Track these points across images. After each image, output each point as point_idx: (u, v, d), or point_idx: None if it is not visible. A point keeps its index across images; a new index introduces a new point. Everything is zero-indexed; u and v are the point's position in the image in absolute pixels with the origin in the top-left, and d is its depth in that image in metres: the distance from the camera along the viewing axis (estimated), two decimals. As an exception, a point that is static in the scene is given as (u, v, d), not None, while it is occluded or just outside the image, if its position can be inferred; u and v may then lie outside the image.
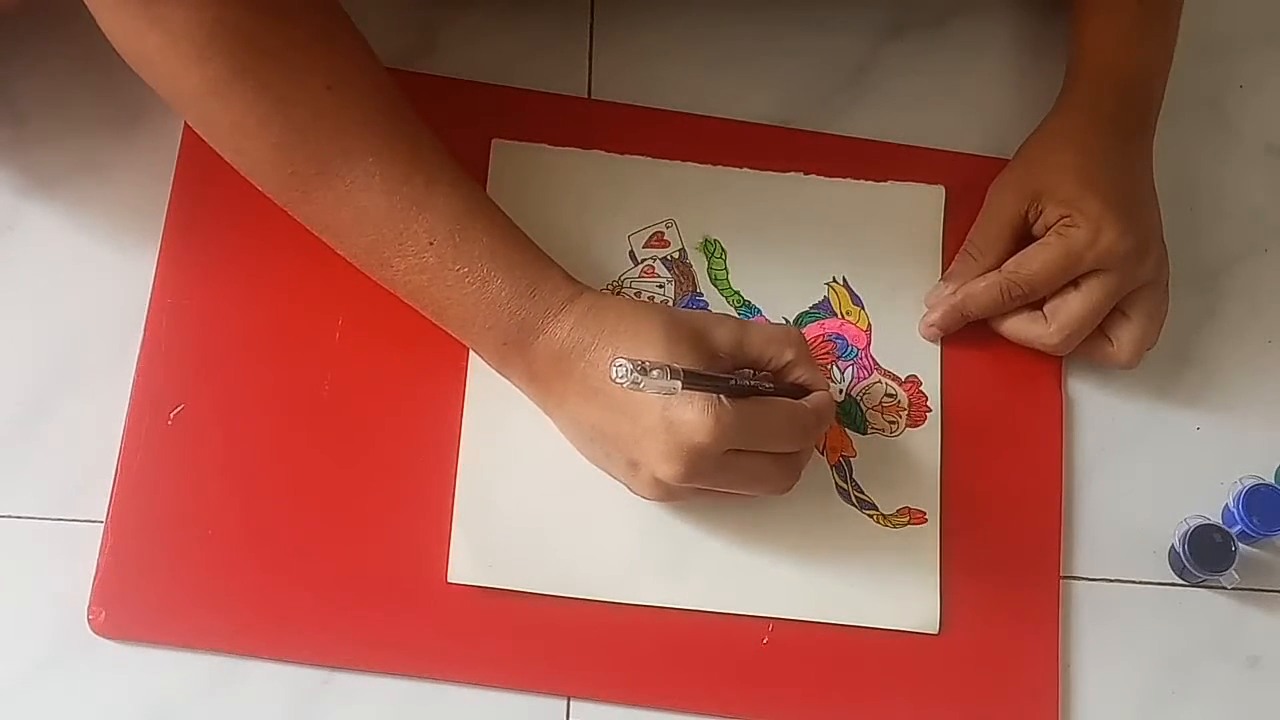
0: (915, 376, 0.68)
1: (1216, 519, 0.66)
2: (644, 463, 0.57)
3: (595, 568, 0.63)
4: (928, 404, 0.67)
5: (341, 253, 0.61)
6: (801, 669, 0.63)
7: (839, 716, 0.63)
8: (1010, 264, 0.66)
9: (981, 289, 0.66)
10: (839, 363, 0.68)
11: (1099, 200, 0.64)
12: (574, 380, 0.58)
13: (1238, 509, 0.66)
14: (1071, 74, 0.70)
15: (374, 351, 0.64)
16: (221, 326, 0.64)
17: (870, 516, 0.65)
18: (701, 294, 0.68)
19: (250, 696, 0.60)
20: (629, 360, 0.51)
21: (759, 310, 0.68)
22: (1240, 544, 0.65)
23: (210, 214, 0.66)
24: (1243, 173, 0.75)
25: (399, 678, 0.61)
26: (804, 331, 0.66)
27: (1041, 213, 0.66)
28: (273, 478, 0.62)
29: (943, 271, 0.69)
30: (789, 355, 0.60)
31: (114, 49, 0.57)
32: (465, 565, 0.62)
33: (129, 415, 0.63)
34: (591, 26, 0.72)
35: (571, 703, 0.62)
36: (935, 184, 0.71)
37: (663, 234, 0.68)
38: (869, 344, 0.68)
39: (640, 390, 0.52)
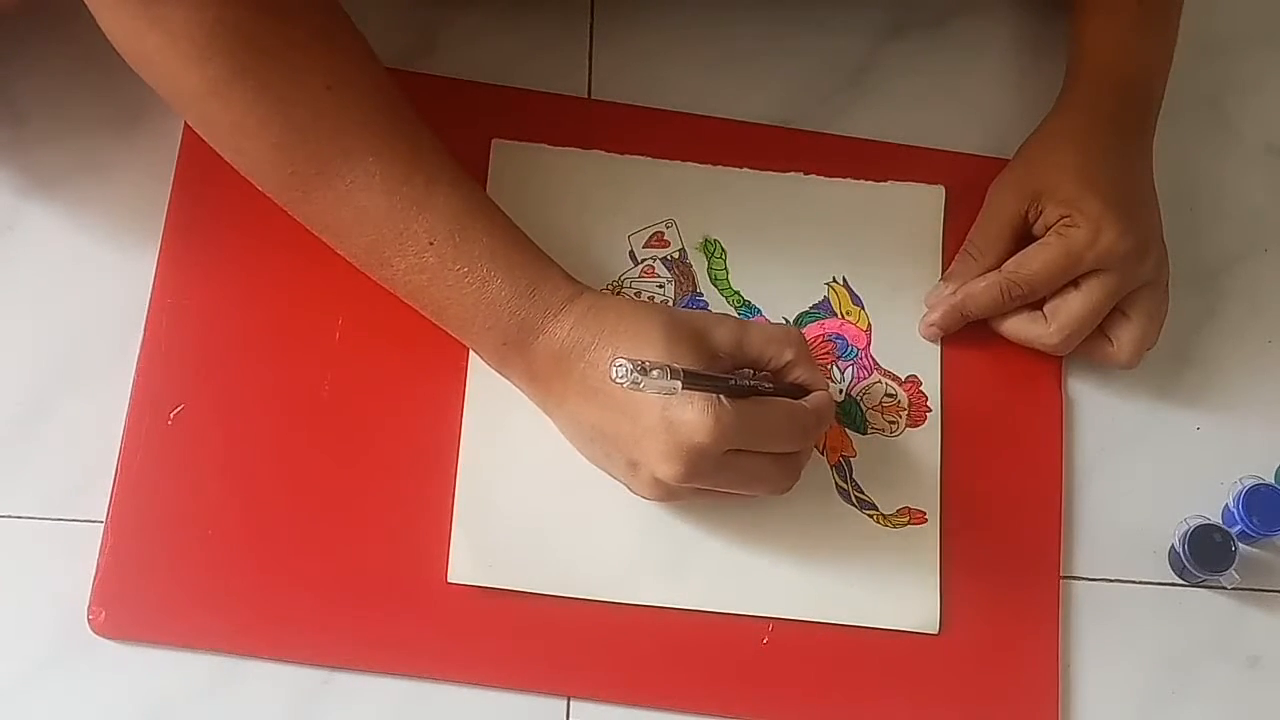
0: (915, 376, 0.68)
1: (1216, 519, 0.66)
2: (644, 463, 0.57)
3: (595, 568, 0.63)
4: (928, 404, 0.67)
5: (341, 253, 0.61)
6: (801, 669, 0.63)
7: (839, 716, 0.63)
8: (1010, 264, 0.66)
9: (981, 289, 0.66)
10: (839, 363, 0.68)
11: (1099, 200, 0.64)
12: (574, 380, 0.58)
13: (1238, 509, 0.66)
14: (1071, 74, 0.70)
15: (374, 351, 0.64)
16: (221, 326, 0.64)
17: (870, 516, 0.65)
18: (701, 294, 0.68)
19: (250, 696, 0.60)
20: (629, 360, 0.51)
21: (759, 310, 0.68)
22: (1240, 544, 0.65)
23: (210, 214, 0.66)
24: (1243, 173, 0.75)
25: (399, 678, 0.61)
26: (804, 331, 0.66)
27: (1041, 213, 0.66)
28: (273, 478, 0.62)
29: (943, 271, 0.69)
30: (789, 355, 0.60)
31: (114, 49, 0.57)
32: (465, 565, 0.62)
33: (129, 415, 0.63)
34: (591, 26, 0.72)
35: (571, 703, 0.62)
36: (935, 184, 0.71)
37: (663, 234, 0.68)
38: (869, 344, 0.68)
39: (640, 390, 0.52)
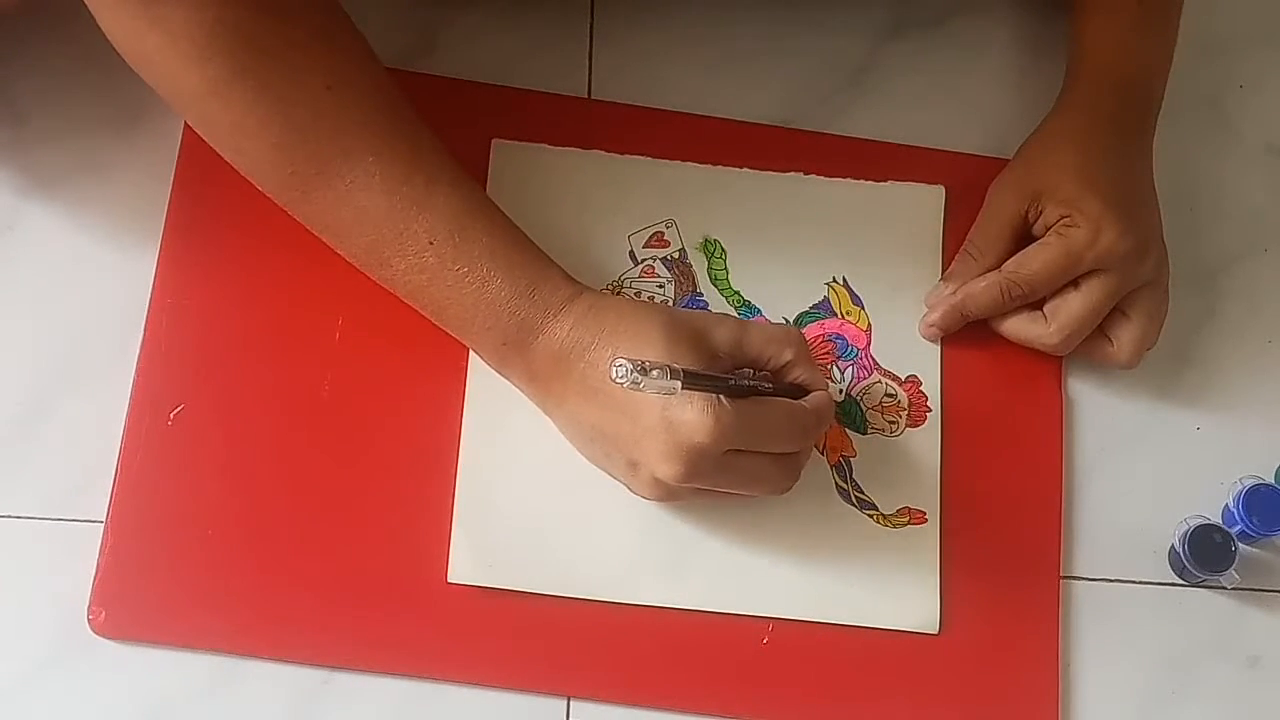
0: (915, 376, 0.68)
1: (1216, 519, 0.66)
2: (644, 463, 0.57)
3: (595, 568, 0.63)
4: (928, 404, 0.67)
5: (341, 253, 0.61)
6: (801, 669, 0.63)
7: (839, 716, 0.63)
8: (1010, 264, 0.66)
9: (981, 289, 0.66)
10: (839, 363, 0.68)
11: (1099, 200, 0.64)
12: (574, 380, 0.58)
13: (1238, 509, 0.66)
14: (1071, 74, 0.70)
15: (374, 351, 0.64)
16: (221, 326, 0.64)
17: (870, 516, 0.65)
18: (701, 294, 0.68)
19: (250, 696, 0.60)
20: (629, 360, 0.51)
21: (759, 310, 0.68)
22: (1240, 544, 0.65)
23: (210, 214, 0.66)
24: (1243, 173, 0.75)
25: (399, 678, 0.61)
26: (804, 331, 0.66)
27: (1041, 213, 0.66)
28: (273, 478, 0.62)
29: (943, 271, 0.69)
30: (788, 355, 0.60)
31: (114, 49, 0.57)
32: (465, 565, 0.62)
33: (129, 415, 0.63)
34: (591, 26, 0.72)
35: (571, 703, 0.62)
36: (935, 184, 0.71)
37: (663, 234, 0.68)
38: (869, 344, 0.68)
39: (640, 390, 0.52)
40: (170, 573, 0.61)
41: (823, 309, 0.68)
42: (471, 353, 0.63)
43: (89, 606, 0.60)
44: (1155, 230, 0.67)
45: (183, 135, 0.66)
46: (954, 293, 0.67)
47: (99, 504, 0.61)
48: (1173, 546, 0.67)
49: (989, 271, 0.67)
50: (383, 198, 0.58)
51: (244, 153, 0.59)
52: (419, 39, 0.71)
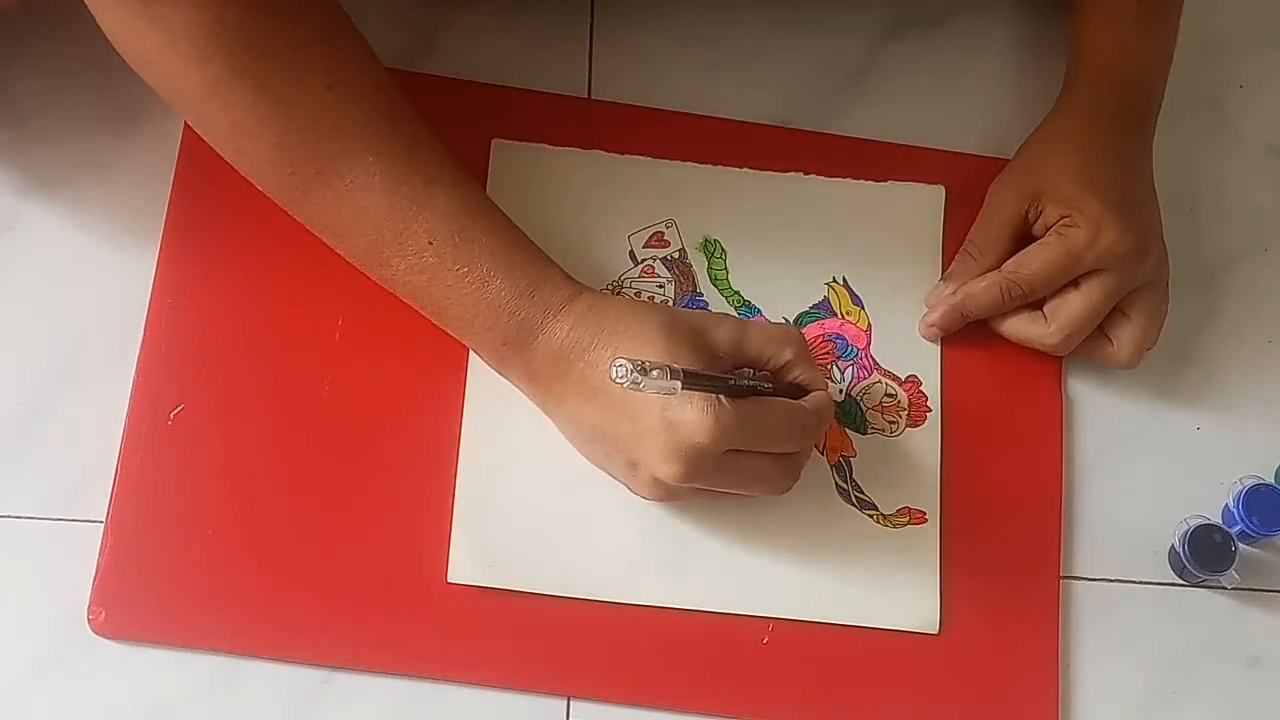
0: (915, 376, 0.68)
1: (1216, 519, 0.66)
2: (644, 463, 0.57)
3: (595, 568, 0.63)
4: (928, 404, 0.67)
5: (341, 253, 0.61)
6: (801, 669, 0.63)
7: (839, 716, 0.63)
8: (1010, 264, 0.66)
9: (981, 289, 0.66)
10: (839, 363, 0.68)
11: (1099, 200, 0.64)
12: (573, 380, 0.58)
13: (1238, 509, 0.66)
14: (1071, 74, 0.70)
15: (374, 351, 0.64)
16: (221, 326, 0.64)
17: (870, 516, 0.65)
18: (701, 294, 0.68)
19: (250, 696, 0.60)
20: (629, 360, 0.51)
21: (759, 310, 0.68)
22: (1240, 544, 0.65)
23: (210, 214, 0.66)
24: (1243, 173, 0.75)
25: (399, 678, 0.61)
26: (804, 331, 0.67)
27: (1041, 213, 0.66)
28: (273, 478, 0.62)
29: (943, 271, 0.69)
30: (788, 355, 0.60)
31: (114, 49, 0.57)
32: (465, 565, 0.62)
33: (129, 415, 0.63)
34: (591, 26, 0.72)
35: (571, 703, 0.62)
36: (935, 184, 0.71)
37: (663, 234, 0.68)
38: (869, 344, 0.68)
39: (640, 390, 0.52)
40: (170, 573, 0.61)
41: (823, 309, 0.68)
42: (471, 353, 0.63)
43: (89, 606, 0.60)
44: (1155, 230, 0.67)
45: (183, 135, 0.66)
46: (954, 293, 0.67)
47: (99, 504, 0.61)
48: (1173, 546, 0.67)
49: (989, 271, 0.67)
50: (382, 198, 0.58)
51: (244, 153, 0.59)
52: (419, 39, 0.71)
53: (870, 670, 0.63)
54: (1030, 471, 0.67)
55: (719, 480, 0.58)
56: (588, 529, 0.63)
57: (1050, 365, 0.69)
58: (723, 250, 0.68)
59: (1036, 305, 0.67)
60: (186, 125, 0.66)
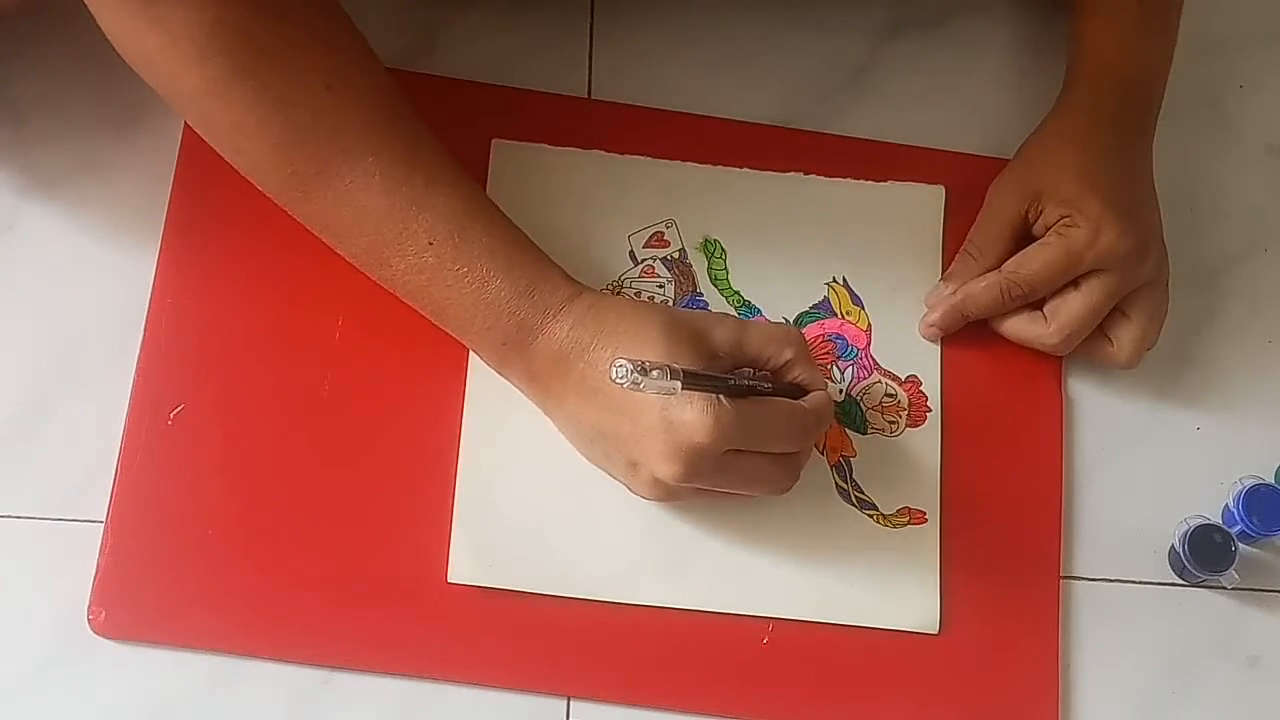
0: (915, 376, 0.68)
1: (1216, 519, 0.66)
2: (643, 463, 0.57)
3: (595, 568, 0.63)
4: (928, 404, 0.67)
5: (341, 253, 0.61)
6: (801, 669, 0.63)
7: (839, 716, 0.63)
8: (1010, 264, 0.66)
9: (981, 289, 0.66)
10: (839, 363, 0.68)
11: (1099, 200, 0.64)
12: (573, 380, 0.58)
13: (1238, 509, 0.66)
14: (1071, 74, 0.70)
15: (374, 351, 0.64)
16: (221, 326, 0.64)
17: (870, 516, 0.65)
18: (701, 294, 0.68)
19: (250, 696, 0.60)
20: (629, 360, 0.51)
21: (759, 310, 0.68)
22: (1240, 544, 0.65)
23: (210, 214, 0.66)
24: (1243, 173, 0.75)
25: (399, 678, 0.61)
26: (804, 331, 0.67)
27: (1041, 213, 0.66)
28: (273, 478, 0.62)
29: (943, 271, 0.69)
30: (788, 354, 0.60)
31: (114, 49, 0.57)
32: (465, 565, 0.62)
33: (129, 415, 0.63)
34: (591, 26, 0.72)
35: (571, 703, 0.62)
36: (935, 184, 0.71)
37: (663, 234, 0.68)
38: (869, 344, 0.68)
39: (640, 390, 0.52)
40: (170, 573, 0.61)
41: (823, 309, 0.68)
42: (471, 353, 0.63)
43: (89, 606, 0.60)
44: (1155, 230, 0.67)
45: (183, 135, 0.66)
46: (954, 293, 0.67)
47: (99, 504, 0.61)
48: (1173, 546, 0.67)
49: (989, 271, 0.67)
50: (382, 198, 0.58)
51: (244, 153, 0.59)
52: (419, 39, 0.71)
53: (870, 670, 0.63)
54: (1030, 471, 0.67)
55: (719, 480, 0.58)
56: (588, 529, 0.63)
57: (1050, 365, 0.69)
58: (723, 250, 0.68)
59: (1036, 305, 0.67)
60: (186, 125, 0.66)
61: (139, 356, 0.63)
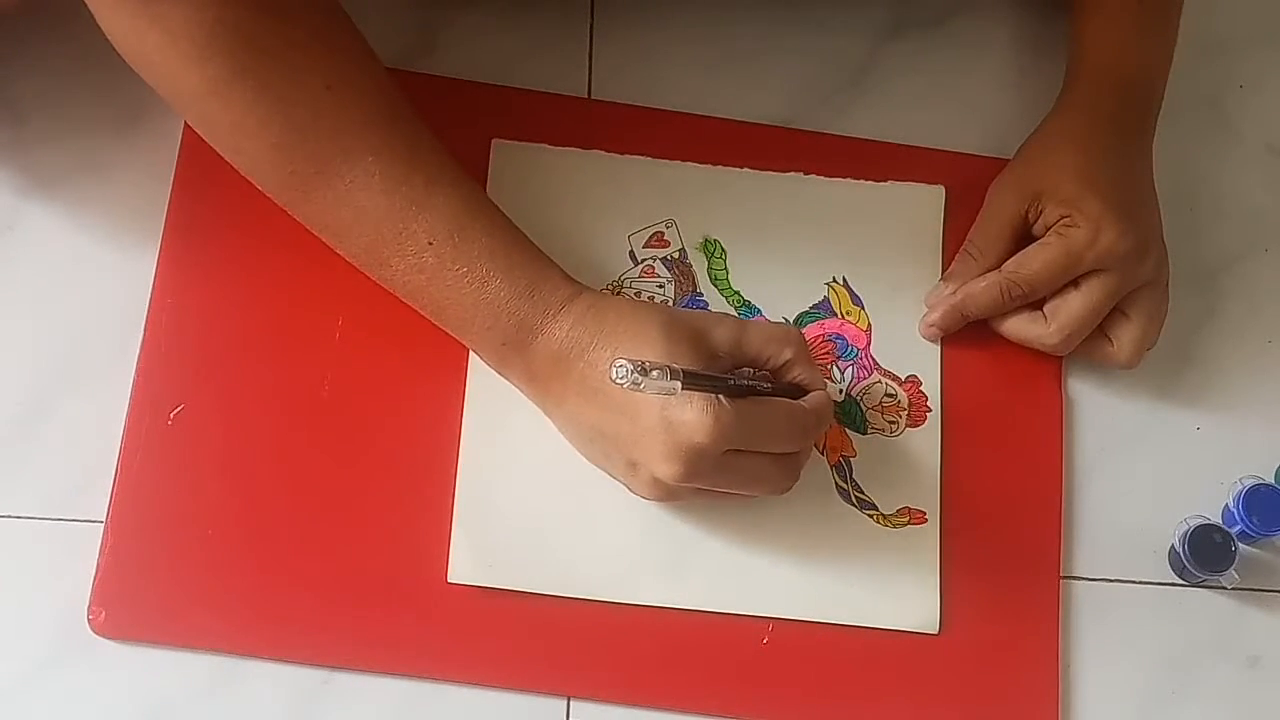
0: (915, 376, 0.68)
1: (1216, 519, 0.66)
2: (643, 463, 0.57)
3: (595, 568, 0.63)
4: (928, 404, 0.67)
5: (341, 253, 0.61)
6: (801, 669, 0.63)
7: (839, 716, 0.63)
8: (1010, 264, 0.66)
9: (981, 289, 0.66)
10: (839, 363, 0.68)
11: (1099, 200, 0.64)
12: (573, 380, 0.58)
13: (1238, 509, 0.66)
14: (1071, 74, 0.70)
15: (374, 351, 0.64)
16: (221, 326, 0.64)
17: (870, 516, 0.65)
18: (701, 294, 0.68)
19: (250, 696, 0.60)
20: (629, 361, 0.51)
21: (759, 310, 0.68)
22: (1240, 544, 0.65)
23: (210, 214, 0.66)
24: (1243, 173, 0.75)
25: (399, 678, 0.61)
26: (804, 331, 0.66)
27: (1041, 213, 0.66)
28: (273, 478, 0.62)
29: (943, 271, 0.69)
30: (788, 354, 0.60)
31: (114, 49, 0.57)
32: (465, 565, 0.62)
33: (129, 415, 0.63)
34: (591, 26, 0.72)
35: (571, 703, 0.62)
36: (935, 184, 0.71)
37: (663, 234, 0.68)
38: (869, 344, 0.68)
39: (640, 390, 0.52)
40: (170, 573, 0.61)
41: (823, 309, 0.68)
42: (471, 353, 0.63)
43: (89, 606, 0.60)
44: (1155, 230, 0.67)
45: (183, 135, 0.67)
46: (954, 293, 0.67)
47: (99, 504, 0.61)
48: (1173, 546, 0.67)
49: (989, 271, 0.67)
50: (382, 197, 0.58)
51: (244, 153, 0.59)
52: (419, 39, 0.71)
53: (870, 670, 0.63)
54: (1030, 471, 0.67)
55: (719, 480, 0.58)
56: (588, 529, 0.63)
57: (1050, 365, 0.69)
58: (723, 250, 0.68)
59: (1036, 305, 0.67)
60: (186, 125, 0.66)
61: (139, 356, 0.63)
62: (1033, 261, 0.65)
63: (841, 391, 0.67)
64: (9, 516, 0.62)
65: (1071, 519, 0.67)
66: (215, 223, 0.65)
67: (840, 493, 0.66)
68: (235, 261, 0.65)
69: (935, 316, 0.68)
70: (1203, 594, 0.67)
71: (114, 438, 0.62)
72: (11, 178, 0.66)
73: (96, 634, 0.60)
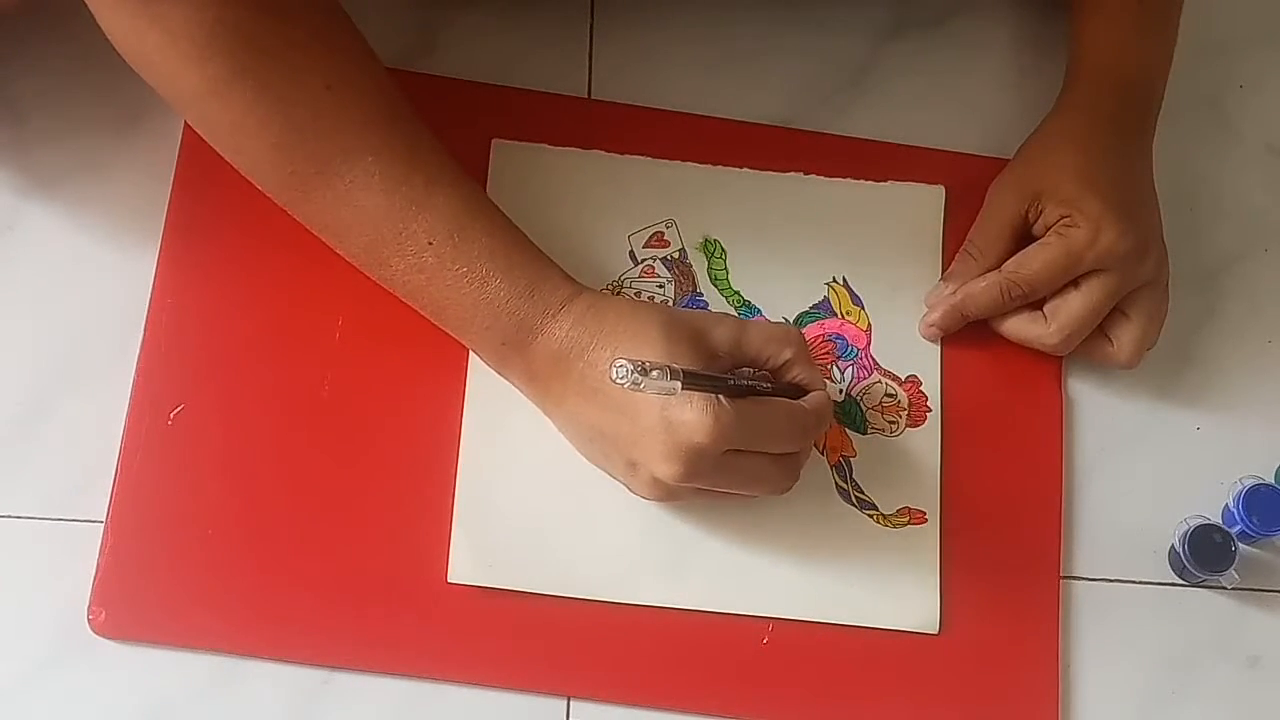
0: (915, 376, 0.68)
1: (1216, 519, 0.66)
2: (643, 463, 0.57)
3: (595, 568, 0.63)
4: (928, 404, 0.67)
5: (341, 252, 0.61)
6: (801, 669, 0.63)
7: (839, 716, 0.63)
8: (1010, 264, 0.66)
9: (981, 289, 0.66)
10: (839, 363, 0.68)
11: (1099, 200, 0.64)
12: (573, 380, 0.58)
13: (1238, 509, 0.66)
14: (1071, 74, 0.70)
15: (374, 351, 0.64)
16: (221, 326, 0.64)
17: (870, 516, 0.65)
18: (701, 294, 0.68)
19: (250, 696, 0.60)
20: (629, 361, 0.51)
21: (759, 310, 0.68)
22: (1240, 544, 0.65)
23: (210, 214, 0.66)
24: (1243, 173, 0.75)
25: (399, 678, 0.61)
26: (804, 331, 0.66)
27: (1041, 213, 0.66)
28: (273, 478, 0.62)
29: (943, 271, 0.69)
30: (787, 354, 0.60)
31: (114, 49, 0.57)
32: (465, 565, 0.62)
33: (129, 415, 0.63)
34: (591, 26, 0.72)
35: (571, 703, 0.62)
36: (935, 184, 0.71)
37: (663, 234, 0.68)
38: (869, 344, 0.68)
39: (640, 390, 0.52)
40: (170, 573, 0.61)
41: (823, 309, 0.68)
42: (471, 353, 0.63)
43: (89, 606, 0.60)
44: (1155, 230, 0.67)
45: (183, 135, 0.66)
46: (954, 293, 0.67)
47: (99, 504, 0.61)
48: (1173, 546, 0.67)
49: (989, 271, 0.67)
50: (382, 197, 0.58)
51: (244, 153, 0.59)
52: (419, 39, 0.71)
53: (870, 670, 0.63)
54: (1030, 471, 0.67)
55: (718, 480, 0.58)
56: (588, 529, 0.63)
57: (1050, 365, 0.69)
58: (723, 250, 0.68)
59: (1036, 305, 0.67)
60: (186, 125, 0.66)
61: (139, 356, 0.63)
62: (1033, 261, 0.65)
63: (841, 391, 0.67)
64: (9, 516, 0.62)
65: (1071, 519, 0.67)
66: (215, 223, 0.65)
67: (840, 493, 0.66)
68: (235, 261, 0.65)
69: (935, 316, 0.68)
70: (1203, 594, 0.67)
71: (114, 438, 0.62)
72: (11, 178, 0.66)
73: (96, 634, 0.60)
